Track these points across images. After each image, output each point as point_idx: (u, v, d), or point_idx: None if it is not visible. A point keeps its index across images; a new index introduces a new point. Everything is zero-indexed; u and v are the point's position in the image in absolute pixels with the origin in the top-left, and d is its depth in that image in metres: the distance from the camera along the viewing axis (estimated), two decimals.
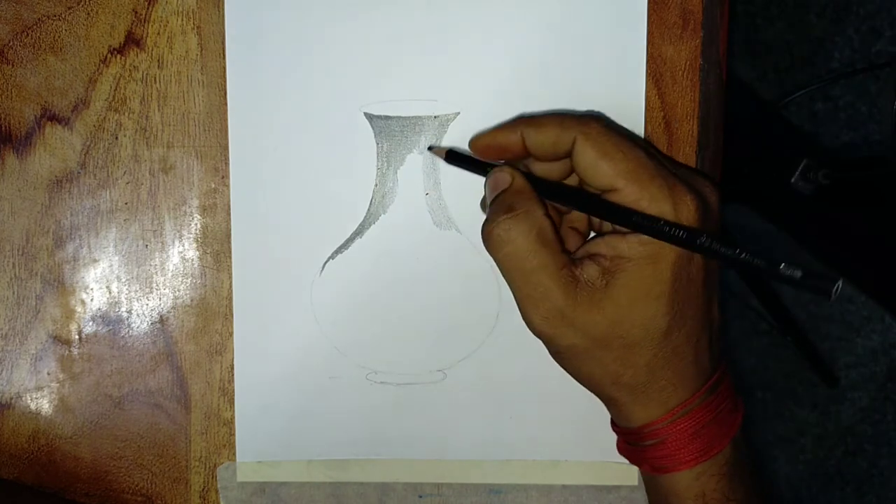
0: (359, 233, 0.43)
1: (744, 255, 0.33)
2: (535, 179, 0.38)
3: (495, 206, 0.37)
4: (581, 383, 0.38)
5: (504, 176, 0.38)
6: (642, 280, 0.35)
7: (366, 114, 0.43)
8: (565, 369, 0.38)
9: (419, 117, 0.43)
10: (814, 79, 1.05)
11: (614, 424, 0.40)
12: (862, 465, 1.08)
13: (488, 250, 0.37)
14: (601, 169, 0.35)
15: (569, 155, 0.37)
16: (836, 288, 0.30)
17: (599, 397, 0.39)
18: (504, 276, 0.37)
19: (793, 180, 0.69)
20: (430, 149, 0.42)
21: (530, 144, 0.38)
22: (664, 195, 0.35)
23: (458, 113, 0.43)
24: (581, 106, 0.42)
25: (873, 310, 1.07)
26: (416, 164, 0.43)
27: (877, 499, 1.08)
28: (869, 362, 1.08)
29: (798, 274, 0.31)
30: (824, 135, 1.06)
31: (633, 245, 0.35)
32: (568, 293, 0.35)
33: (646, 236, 0.35)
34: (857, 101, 1.04)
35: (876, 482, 1.08)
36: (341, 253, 0.44)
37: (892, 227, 0.99)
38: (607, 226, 0.38)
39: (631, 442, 0.39)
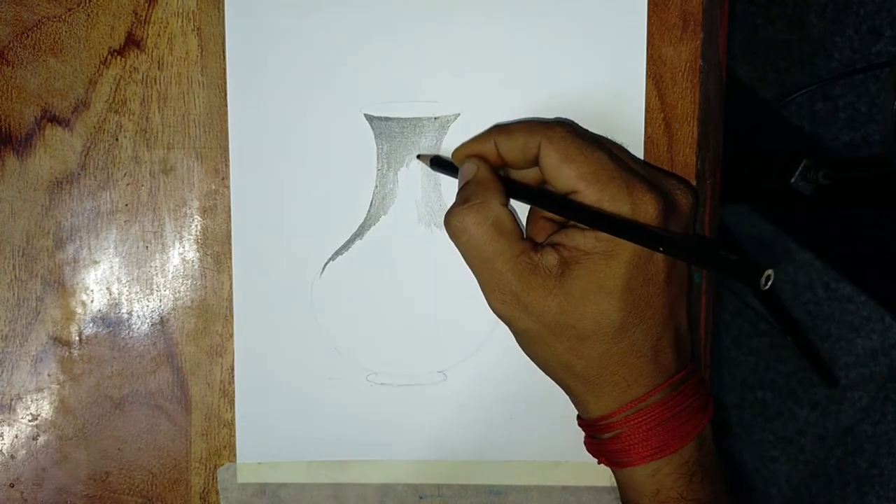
0: (359, 234, 0.43)
1: (689, 245, 0.33)
2: (501, 178, 0.39)
3: (457, 197, 0.39)
4: (540, 368, 0.40)
5: (470, 167, 0.39)
6: (595, 274, 0.36)
7: (366, 115, 0.43)
8: (526, 353, 0.39)
9: (419, 118, 0.43)
10: (814, 79, 1.05)
11: (579, 418, 0.41)
12: (862, 465, 1.08)
13: (450, 239, 0.38)
14: (563, 172, 0.36)
15: (537, 160, 0.38)
16: (766, 276, 0.30)
17: (558, 384, 0.40)
18: (465, 262, 0.38)
19: (793, 180, 0.69)
20: (418, 157, 0.43)
21: (502, 151, 0.39)
22: (623, 195, 0.36)
23: (459, 114, 0.43)
24: (581, 107, 0.42)
25: (873, 310, 1.07)
26: (417, 166, 0.43)
27: (877, 499, 1.08)
28: (869, 362, 1.08)
29: (733, 258, 0.31)
30: (824, 135, 1.06)
31: (589, 239, 0.36)
32: (523, 279, 0.37)
33: (603, 233, 0.36)
34: (857, 101, 1.04)
35: (876, 482, 1.08)
36: (342, 254, 0.44)
37: (892, 227, 0.99)
38: None
39: (591, 435, 0.40)
